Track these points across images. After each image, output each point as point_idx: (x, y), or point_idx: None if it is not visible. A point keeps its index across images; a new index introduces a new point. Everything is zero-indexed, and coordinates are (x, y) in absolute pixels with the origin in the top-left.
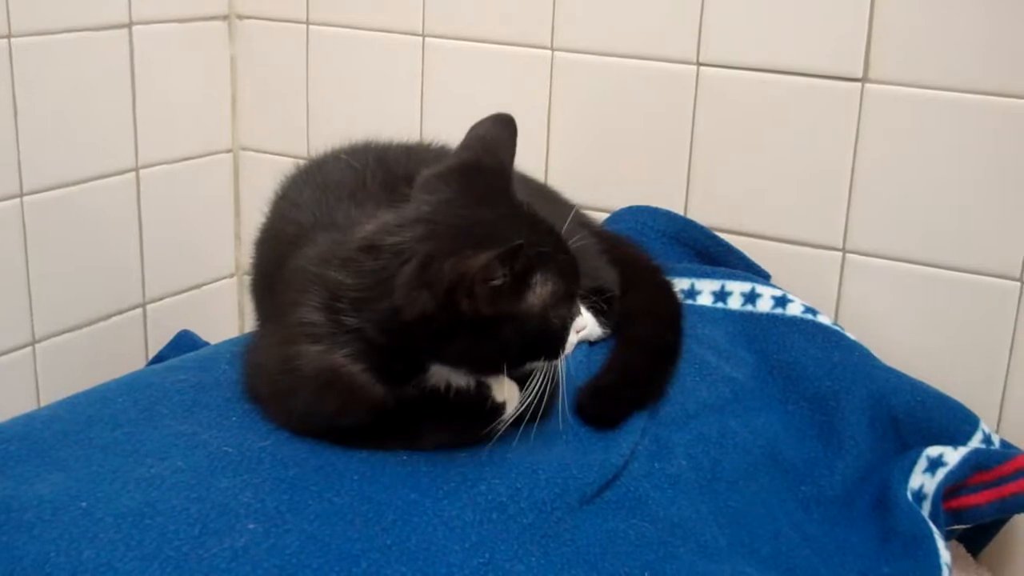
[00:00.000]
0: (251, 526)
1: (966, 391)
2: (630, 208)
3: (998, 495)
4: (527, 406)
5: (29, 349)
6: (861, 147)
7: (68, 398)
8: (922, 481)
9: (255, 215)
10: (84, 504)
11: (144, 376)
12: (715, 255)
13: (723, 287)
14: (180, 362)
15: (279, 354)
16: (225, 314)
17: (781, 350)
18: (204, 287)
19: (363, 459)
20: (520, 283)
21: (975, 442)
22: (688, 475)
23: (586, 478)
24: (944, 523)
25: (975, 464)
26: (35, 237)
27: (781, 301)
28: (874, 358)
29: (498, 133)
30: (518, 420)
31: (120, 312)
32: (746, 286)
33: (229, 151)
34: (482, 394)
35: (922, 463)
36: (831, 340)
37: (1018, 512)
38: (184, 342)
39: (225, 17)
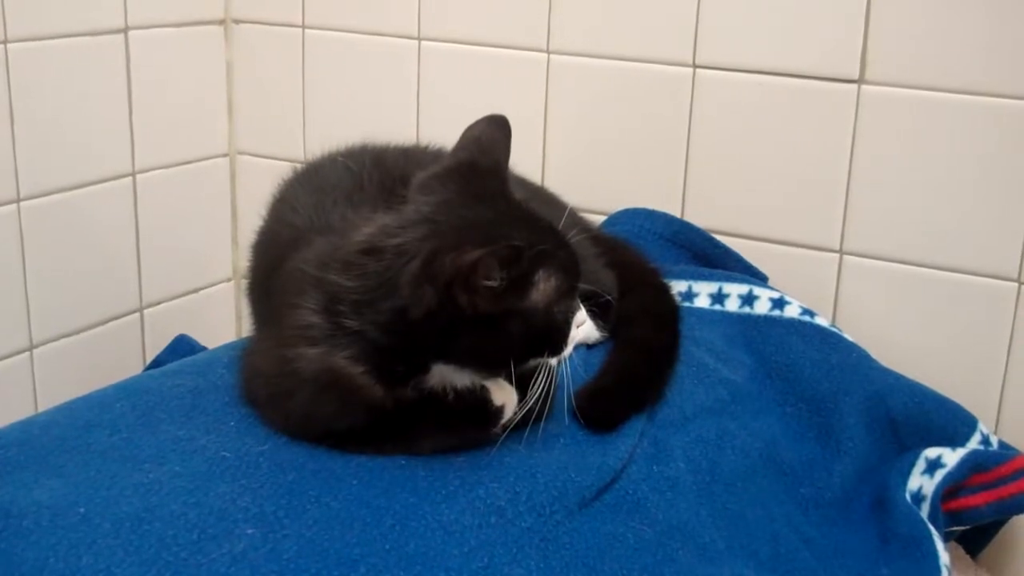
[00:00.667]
0: (249, 531)
1: (964, 392)
2: (627, 211)
3: (997, 496)
4: (525, 409)
5: (27, 354)
6: (858, 149)
7: (66, 403)
8: (921, 482)
9: (252, 219)
10: (82, 510)
11: (142, 381)
12: (712, 257)
13: (720, 289)
14: (178, 367)
15: (277, 357)
16: (223, 318)
17: (779, 352)
18: (201, 291)
19: (361, 464)
20: (523, 281)
21: (973, 443)
22: (686, 477)
23: (584, 481)
24: (943, 524)
25: (973, 465)
26: (32, 242)
27: (779, 303)
28: (872, 360)
29: (493, 134)
30: (516, 423)
31: (118, 317)
32: (743, 288)
33: (226, 155)
34: (480, 398)
35: (920, 464)
36: (829, 342)
37: (1017, 513)
38: (182, 347)
39: (221, 22)
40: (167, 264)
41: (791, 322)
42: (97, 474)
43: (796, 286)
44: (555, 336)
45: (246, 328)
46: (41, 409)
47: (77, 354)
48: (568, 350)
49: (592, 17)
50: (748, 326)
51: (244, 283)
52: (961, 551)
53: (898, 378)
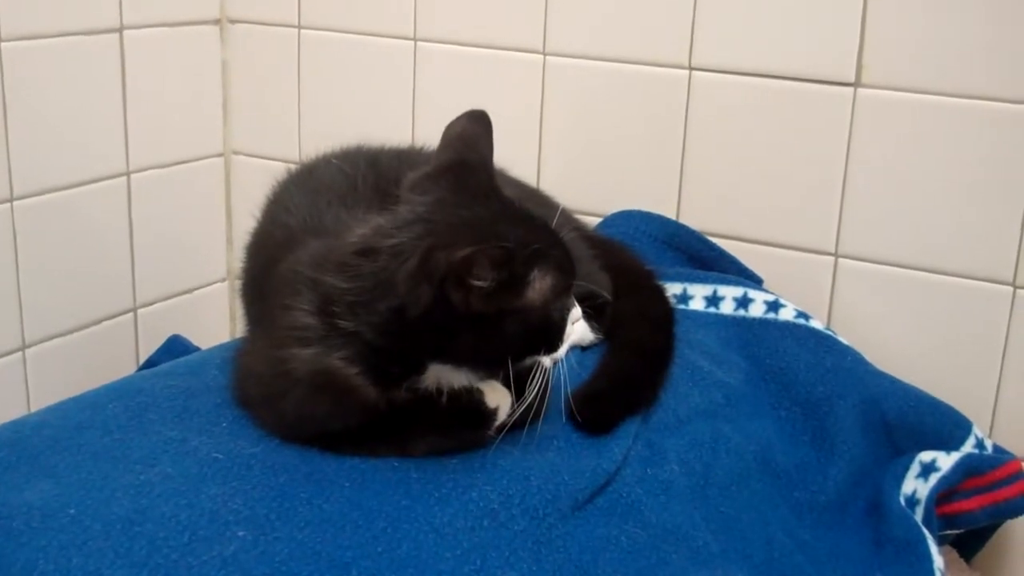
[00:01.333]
0: (241, 533)
1: (959, 395)
2: (622, 213)
3: (991, 500)
4: (519, 411)
5: (19, 354)
6: (853, 152)
7: (58, 404)
8: (915, 486)
9: (247, 219)
10: (73, 511)
11: (134, 382)
12: (707, 260)
13: (715, 292)
14: (170, 367)
15: (270, 358)
16: (216, 319)
17: (773, 355)
18: (195, 292)
19: (354, 466)
20: (517, 281)
21: (968, 447)
22: (680, 481)
23: (578, 484)
24: (937, 528)
25: (968, 469)
26: (26, 242)
27: (773, 306)
28: (867, 363)
29: (475, 129)
30: (510, 426)
31: (111, 317)
32: (738, 291)
33: (221, 155)
34: (474, 400)
35: (915, 468)
36: (823, 345)
37: (1011, 517)
38: (175, 347)
39: (216, 21)
40: (161, 264)
41: (786, 325)
42: (88, 475)
43: (791, 289)
44: (552, 334)
45: (240, 329)
46: (33, 409)
47: (70, 354)
48: (564, 348)
49: (588, 19)
50: (743, 329)
51: (238, 284)
52: (955, 555)
53: (893, 381)
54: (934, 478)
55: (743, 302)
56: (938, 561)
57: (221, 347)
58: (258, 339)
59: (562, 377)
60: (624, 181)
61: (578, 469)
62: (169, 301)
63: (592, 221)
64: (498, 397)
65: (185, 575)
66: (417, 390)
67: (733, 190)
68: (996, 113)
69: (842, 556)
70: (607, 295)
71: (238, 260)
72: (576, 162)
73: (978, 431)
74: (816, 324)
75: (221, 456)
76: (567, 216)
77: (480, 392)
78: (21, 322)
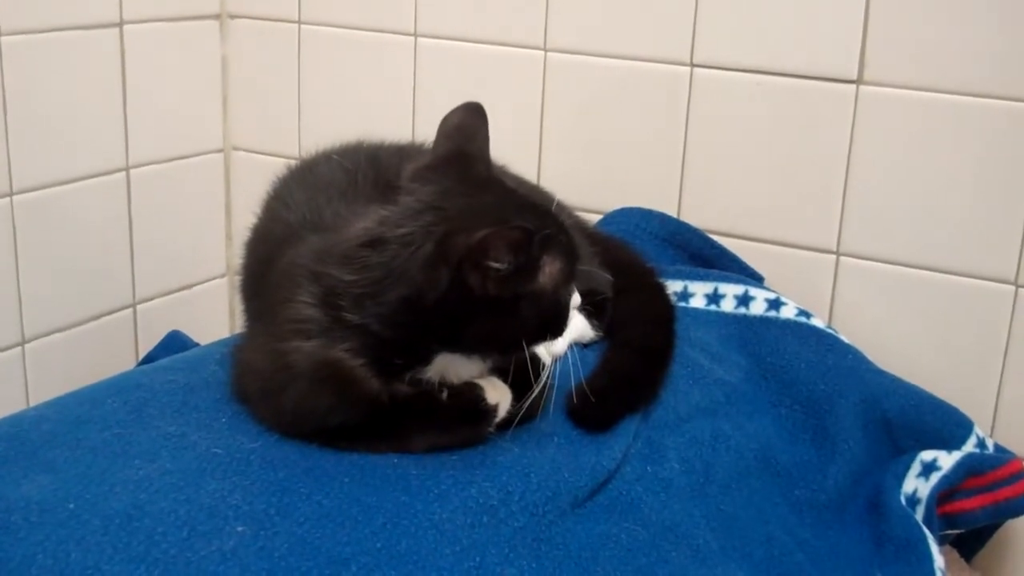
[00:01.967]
0: (240, 529)
1: (960, 395)
2: (623, 210)
3: (992, 500)
4: (519, 407)
5: (18, 349)
6: (855, 149)
7: (57, 398)
8: (916, 485)
9: (246, 215)
10: (72, 506)
11: (134, 377)
12: (708, 257)
13: (716, 289)
14: (170, 363)
15: (270, 351)
16: (216, 315)
17: (774, 353)
18: (195, 287)
19: (353, 462)
20: (531, 265)
21: (969, 446)
22: (680, 479)
23: (578, 481)
24: (938, 527)
25: (969, 468)
26: (25, 237)
27: (774, 304)
28: (868, 361)
29: (472, 121)
30: (510, 422)
31: (110, 312)
32: (739, 289)
33: (220, 151)
34: (474, 396)
35: (916, 467)
36: (824, 343)
37: (1012, 517)
38: (174, 343)
39: (216, 16)
40: (160, 260)
41: (787, 323)
42: (87, 470)
43: (792, 287)
44: (559, 318)
45: (239, 324)
46: (33, 404)
47: (69, 349)
48: (567, 336)
49: (590, 15)
50: (744, 327)
51: (237, 280)
52: (956, 554)
53: (894, 380)
54: (935, 477)
55: (744, 300)
56: (939, 560)
57: (220, 343)
58: (257, 334)
59: (562, 374)
60: (625, 178)
61: (578, 466)
62: (168, 297)
63: (593, 218)
64: (498, 394)
65: (184, 570)
66: (420, 382)
67: (735, 188)
68: (998, 111)
69: (842, 555)
70: (607, 292)
71: (237, 256)
72: (577, 159)
73: (979, 430)
74: (817, 322)
75: (220, 451)
76: (563, 208)
77: (480, 388)
78: (20, 317)
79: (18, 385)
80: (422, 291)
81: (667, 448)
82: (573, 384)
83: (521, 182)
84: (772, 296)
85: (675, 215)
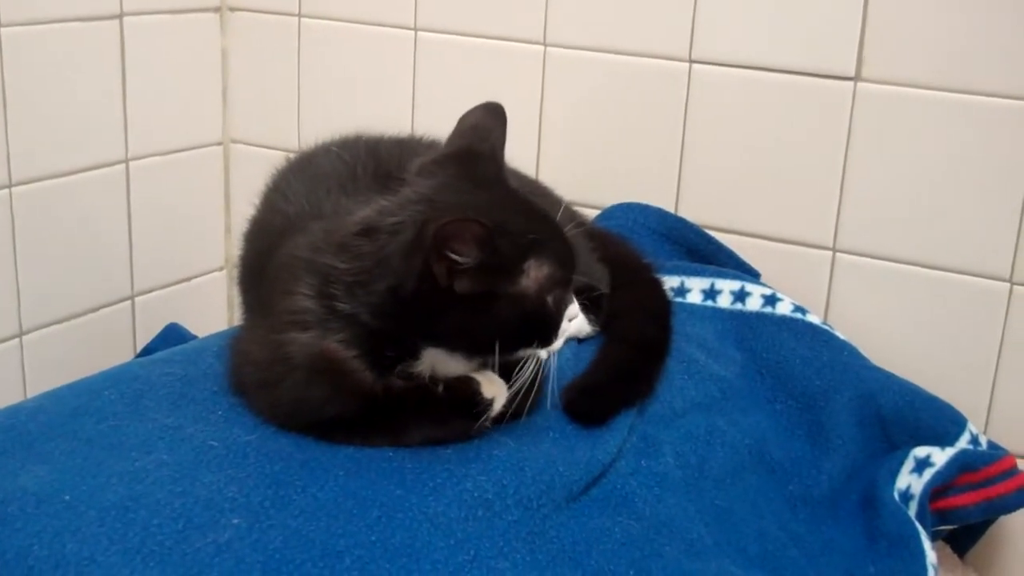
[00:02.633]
0: (235, 521)
1: (954, 391)
2: (621, 205)
3: (985, 496)
4: (514, 401)
5: (16, 340)
6: (852, 146)
7: (54, 390)
8: (909, 481)
9: (245, 208)
10: (68, 497)
11: (131, 369)
12: (705, 253)
13: (713, 285)
14: (167, 355)
15: (268, 343)
16: (214, 307)
17: (770, 349)
18: (193, 280)
19: (348, 455)
20: (508, 266)
21: (962, 443)
22: (675, 473)
23: (573, 475)
24: (930, 524)
25: (962, 465)
26: (24, 228)
27: (771, 300)
28: (863, 358)
29: (489, 122)
30: (505, 416)
31: (109, 304)
32: (736, 284)
33: (220, 143)
34: (470, 390)
35: (909, 463)
36: (820, 339)
37: (1005, 513)
38: (172, 335)
39: (217, 9)
40: (159, 252)
41: (783, 319)
42: (83, 461)
43: (788, 283)
44: (546, 327)
45: (238, 317)
46: (31, 396)
47: (67, 341)
48: (559, 343)
49: (589, 10)
50: (740, 322)
51: (236, 272)
52: (948, 550)
53: (889, 376)
54: (928, 473)
55: (740, 296)
56: (931, 556)
57: (218, 335)
58: (256, 326)
59: (558, 368)
60: (623, 173)
61: (573, 460)
62: (167, 289)
63: (590, 213)
64: (494, 388)
65: (179, 562)
66: (412, 376)
67: (732, 184)
68: (995, 108)
69: (835, 550)
70: (604, 287)
71: (236, 248)
72: (575, 154)
73: (973, 427)
74: (813, 319)
75: (216, 444)
76: (570, 212)
77: (476, 382)
78: (19, 308)
79: (16, 377)
80: (402, 281)
81: (662, 443)
82: (569, 378)
83: (533, 186)
84: (768, 292)
85: (672, 210)
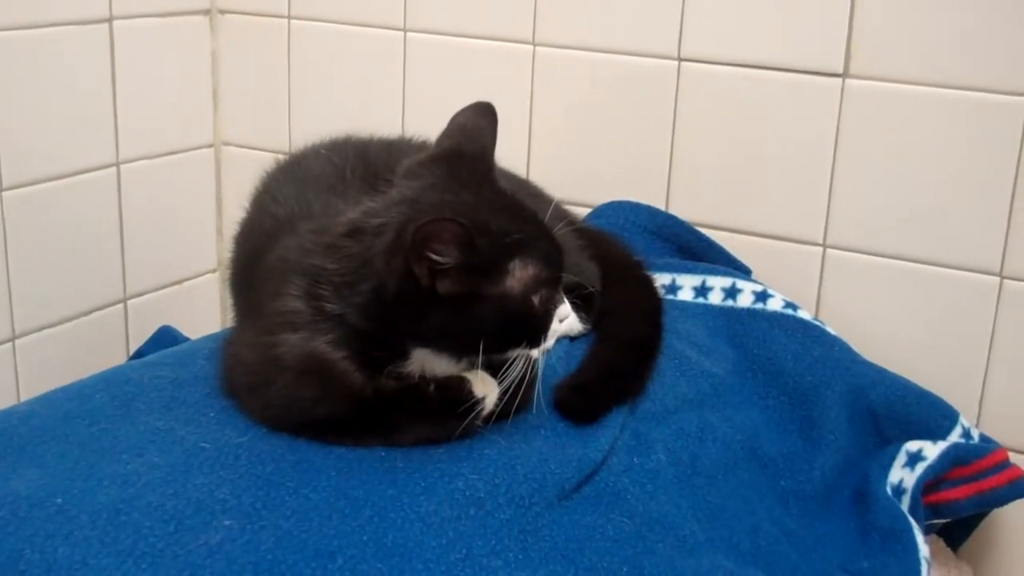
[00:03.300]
0: (227, 522)
1: (946, 385)
2: (611, 203)
3: (977, 489)
4: (506, 400)
5: (9, 345)
6: (842, 142)
7: (46, 394)
8: (901, 475)
9: (237, 210)
10: (59, 501)
11: (122, 372)
12: (696, 250)
13: (704, 282)
14: (159, 358)
15: (258, 345)
16: (206, 310)
17: (761, 345)
18: (185, 283)
19: (340, 455)
20: (491, 267)
21: (954, 436)
22: (667, 470)
23: (565, 473)
24: (923, 517)
25: (954, 458)
26: (15, 232)
27: (762, 296)
28: (854, 353)
29: (479, 122)
30: (497, 415)
31: (101, 307)
32: (727, 281)
33: (211, 146)
34: (461, 388)
35: (901, 458)
36: (811, 335)
37: (997, 506)
38: (165, 338)
39: (207, 12)
40: (151, 255)
41: (774, 315)
42: (75, 465)
43: (779, 279)
44: (533, 327)
45: (230, 319)
46: (23, 399)
47: (60, 344)
48: (549, 343)
49: (578, 10)
50: (731, 319)
51: (227, 274)
52: (941, 544)
53: (880, 371)
54: (920, 467)
55: (731, 292)
56: (924, 550)
57: (210, 338)
58: (246, 328)
59: (549, 367)
60: (613, 171)
61: (565, 458)
62: (159, 292)
63: (581, 211)
64: (486, 387)
65: (171, 564)
66: (402, 376)
67: (722, 181)
68: (984, 104)
69: (828, 545)
70: (595, 286)
71: (228, 251)
72: (566, 152)
73: (964, 421)
74: (804, 314)
75: (208, 446)
76: (560, 211)
77: (468, 381)
78: (11, 312)
79: (9, 380)
80: (385, 281)
81: (654, 440)
82: (560, 377)
83: (524, 186)
84: (759, 288)
85: (663, 208)
